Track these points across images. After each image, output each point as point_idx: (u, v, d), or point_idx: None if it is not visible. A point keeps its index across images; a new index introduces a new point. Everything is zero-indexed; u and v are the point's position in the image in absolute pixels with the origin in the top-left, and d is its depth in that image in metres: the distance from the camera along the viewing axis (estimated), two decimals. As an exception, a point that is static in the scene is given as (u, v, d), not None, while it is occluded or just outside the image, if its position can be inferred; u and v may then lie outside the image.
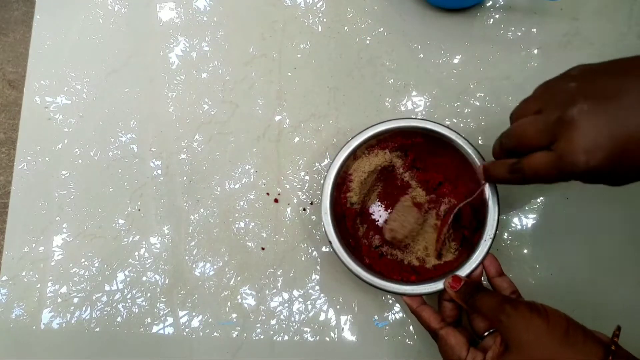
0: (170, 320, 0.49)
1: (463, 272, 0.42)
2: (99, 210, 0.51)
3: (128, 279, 0.50)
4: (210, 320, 0.49)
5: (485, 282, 0.44)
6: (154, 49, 0.54)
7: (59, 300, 0.49)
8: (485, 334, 0.40)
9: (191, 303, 0.49)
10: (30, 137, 0.52)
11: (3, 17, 0.55)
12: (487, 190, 0.43)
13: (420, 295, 0.42)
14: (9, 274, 0.50)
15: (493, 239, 0.42)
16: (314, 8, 0.55)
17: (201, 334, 0.48)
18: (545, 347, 0.33)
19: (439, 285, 0.41)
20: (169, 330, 0.49)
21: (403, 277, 0.45)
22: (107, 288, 0.50)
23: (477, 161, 0.43)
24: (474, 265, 0.42)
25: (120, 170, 0.52)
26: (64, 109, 0.53)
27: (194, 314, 0.49)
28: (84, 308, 0.49)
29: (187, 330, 0.48)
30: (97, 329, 0.49)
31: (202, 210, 0.51)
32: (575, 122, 0.32)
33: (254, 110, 0.53)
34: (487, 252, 0.42)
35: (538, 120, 0.35)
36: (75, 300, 0.49)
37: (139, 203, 0.51)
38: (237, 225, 0.50)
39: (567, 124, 0.32)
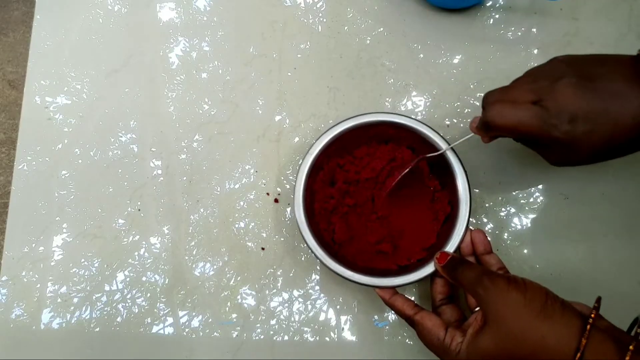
0: (170, 320, 0.49)
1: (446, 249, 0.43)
2: (99, 210, 0.51)
3: (128, 279, 0.50)
4: (210, 320, 0.49)
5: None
6: (154, 49, 0.54)
7: (59, 300, 0.49)
8: (475, 309, 0.40)
9: (191, 303, 0.49)
10: (30, 137, 0.52)
11: (3, 17, 0.55)
12: (449, 155, 0.44)
13: (393, 287, 0.43)
14: (9, 274, 0.50)
15: (469, 214, 0.43)
16: (314, 8, 0.55)
17: (201, 334, 0.48)
18: (521, 320, 0.33)
19: (417, 276, 0.43)
20: (169, 330, 0.49)
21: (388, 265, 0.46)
22: (107, 288, 0.50)
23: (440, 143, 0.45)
24: (453, 248, 0.43)
25: (120, 170, 0.52)
26: (64, 109, 0.53)
27: (194, 314, 0.49)
28: (84, 308, 0.49)
29: (187, 330, 0.49)
30: (97, 329, 0.49)
31: (202, 210, 0.51)
32: (563, 89, 0.35)
33: (254, 110, 0.53)
34: (466, 228, 0.43)
35: (528, 85, 0.37)
36: (75, 300, 0.49)
37: (139, 203, 0.51)
38: (237, 225, 0.50)
39: (555, 89, 0.36)
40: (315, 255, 0.44)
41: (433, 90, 0.52)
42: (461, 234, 0.43)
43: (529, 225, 0.49)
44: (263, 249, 0.50)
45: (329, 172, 0.48)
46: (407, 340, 0.47)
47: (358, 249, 0.47)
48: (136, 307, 0.49)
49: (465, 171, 0.44)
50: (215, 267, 0.50)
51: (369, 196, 0.48)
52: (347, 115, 0.47)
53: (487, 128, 0.39)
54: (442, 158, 0.45)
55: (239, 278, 0.49)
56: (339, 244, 0.47)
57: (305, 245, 0.44)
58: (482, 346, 0.35)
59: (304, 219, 0.44)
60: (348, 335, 0.48)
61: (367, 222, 0.48)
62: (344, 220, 0.47)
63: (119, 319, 0.49)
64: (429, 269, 0.42)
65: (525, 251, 0.48)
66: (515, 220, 0.49)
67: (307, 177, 0.45)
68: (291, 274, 0.49)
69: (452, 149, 0.45)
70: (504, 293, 0.35)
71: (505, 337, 0.34)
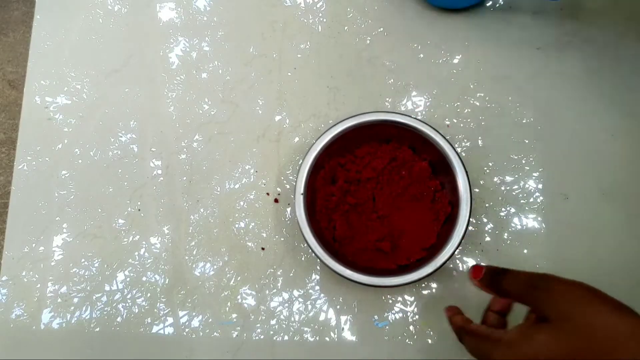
0: (170, 320, 0.49)
1: (443, 255, 0.43)
2: (99, 210, 0.51)
3: (128, 279, 0.50)
4: (210, 320, 0.49)
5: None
6: (154, 49, 0.54)
7: (59, 300, 0.49)
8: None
9: (191, 303, 0.49)
10: (30, 137, 0.52)
11: (3, 17, 0.55)
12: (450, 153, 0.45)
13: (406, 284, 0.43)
14: (9, 274, 0.50)
15: (470, 214, 0.43)
16: (314, 8, 0.55)
17: (201, 334, 0.48)
18: (597, 316, 0.32)
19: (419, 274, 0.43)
20: (169, 330, 0.49)
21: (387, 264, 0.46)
22: (107, 288, 0.50)
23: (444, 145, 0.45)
24: (453, 248, 0.43)
25: (120, 170, 0.52)
26: (64, 109, 0.53)
27: (194, 314, 0.49)
28: (84, 308, 0.49)
29: (187, 330, 0.48)
30: (97, 329, 0.49)
31: (202, 210, 0.51)
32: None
33: (254, 110, 0.53)
34: (466, 228, 0.43)
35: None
36: (75, 300, 0.49)
37: (139, 203, 0.51)
38: (237, 225, 0.50)
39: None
40: (314, 253, 0.44)
41: (433, 90, 0.52)
42: (461, 233, 0.43)
43: (529, 225, 0.49)
44: (263, 249, 0.50)
45: (330, 171, 0.48)
46: (407, 340, 0.47)
47: (358, 248, 0.47)
48: (136, 307, 0.49)
49: (466, 171, 0.44)
50: (215, 267, 0.50)
51: (370, 195, 0.48)
52: (347, 115, 0.47)
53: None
54: (443, 158, 0.45)
55: (239, 278, 0.49)
56: (339, 242, 0.47)
57: (306, 244, 0.44)
58: (539, 339, 0.34)
59: (304, 216, 0.44)
60: (348, 335, 0.48)
61: (368, 222, 0.48)
62: (345, 218, 0.47)
63: (119, 319, 0.49)
64: (428, 269, 0.42)
65: (525, 251, 0.48)
66: (515, 220, 0.49)
67: (308, 175, 0.45)
68: (291, 274, 0.49)
69: (455, 151, 0.45)
70: (570, 292, 0.34)
71: (575, 335, 0.33)
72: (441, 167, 0.46)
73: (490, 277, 0.38)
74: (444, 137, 0.45)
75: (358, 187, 0.48)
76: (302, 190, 0.45)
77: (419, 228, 0.47)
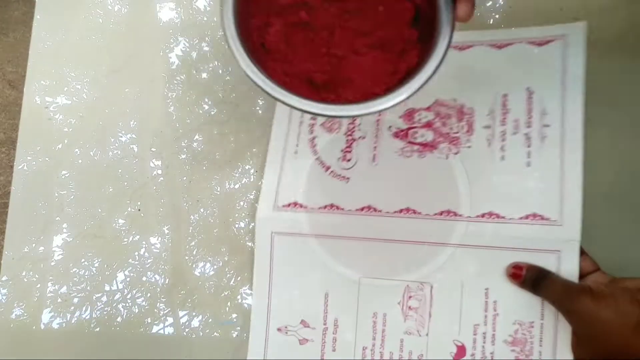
0: (170, 320, 0.49)
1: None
2: (99, 210, 0.51)
3: (128, 279, 0.50)
4: (210, 320, 0.49)
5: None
6: (154, 49, 0.54)
7: (59, 300, 0.49)
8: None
9: (191, 303, 0.49)
10: (30, 137, 0.52)
11: (3, 17, 0.55)
12: None
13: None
14: (9, 274, 0.50)
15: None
16: (314, 8, 0.55)
17: (201, 334, 0.48)
18: (616, 338, 0.32)
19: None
20: (169, 330, 0.49)
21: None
22: (107, 288, 0.50)
23: None
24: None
25: (120, 170, 0.52)
26: (64, 109, 0.53)
27: (194, 314, 0.49)
28: (84, 308, 0.49)
29: (187, 330, 0.49)
30: (97, 329, 0.49)
31: (202, 210, 0.51)
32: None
33: (254, 110, 0.53)
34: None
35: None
36: (75, 300, 0.49)
37: (139, 203, 0.51)
38: (237, 225, 0.50)
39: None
40: (229, 47, 0.33)
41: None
42: (412, 89, 0.33)
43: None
44: (263, 249, 0.50)
45: None
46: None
47: (286, 71, 0.37)
48: (136, 307, 0.49)
49: (451, 35, 0.33)
50: (215, 267, 0.50)
51: (330, 24, 0.37)
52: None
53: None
54: (435, 6, 0.34)
55: (239, 278, 0.49)
56: (267, 52, 0.37)
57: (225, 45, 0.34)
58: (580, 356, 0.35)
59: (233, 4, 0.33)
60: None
61: (313, 52, 0.37)
62: (285, 32, 0.37)
63: (119, 319, 0.49)
64: (361, 107, 0.33)
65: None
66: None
67: None
68: (291, 274, 0.49)
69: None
70: (592, 312, 0.34)
71: (603, 349, 0.33)
72: (426, 16, 0.35)
73: (531, 280, 0.39)
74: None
75: (319, 5, 0.37)
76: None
77: (367, 79, 0.37)
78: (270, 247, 0.47)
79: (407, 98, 0.33)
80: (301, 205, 0.47)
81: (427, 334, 0.43)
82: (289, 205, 0.47)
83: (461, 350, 0.42)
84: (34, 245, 0.50)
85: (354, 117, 0.38)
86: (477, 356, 0.42)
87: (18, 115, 0.52)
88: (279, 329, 0.46)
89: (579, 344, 0.36)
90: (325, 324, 0.45)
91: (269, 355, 0.46)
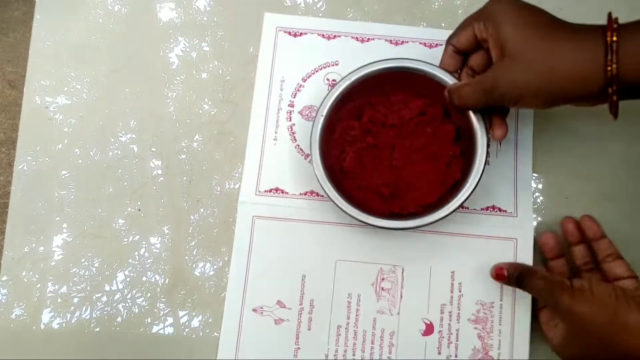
0: (170, 320, 0.49)
1: (457, 200, 0.43)
2: (99, 210, 0.51)
3: (128, 279, 0.50)
4: (211, 320, 0.49)
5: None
6: (154, 49, 0.54)
7: (59, 300, 0.49)
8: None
9: (191, 303, 0.49)
10: (30, 137, 0.52)
11: (3, 17, 0.55)
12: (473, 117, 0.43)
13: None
14: (9, 274, 0.50)
15: (474, 189, 0.43)
16: (314, 8, 0.55)
17: (201, 334, 0.48)
18: (597, 332, 0.34)
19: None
20: (169, 330, 0.49)
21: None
22: (107, 288, 0.50)
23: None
24: (445, 213, 0.43)
25: (120, 170, 0.52)
26: (64, 109, 0.53)
27: (194, 314, 0.49)
28: (84, 308, 0.49)
29: (187, 330, 0.49)
30: (97, 329, 0.49)
31: (202, 210, 0.51)
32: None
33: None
34: (465, 200, 0.43)
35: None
36: (75, 300, 0.49)
37: (139, 203, 0.51)
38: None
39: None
40: (315, 175, 0.44)
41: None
42: (459, 202, 0.43)
43: (534, 223, 0.49)
44: (263, 249, 0.50)
45: (359, 107, 0.48)
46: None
47: (360, 186, 0.47)
48: (136, 307, 0.49)
49: (488, 144, 0.43)
50: (215, 267, 0.50)
51: (391, 143, 0.48)
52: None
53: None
54: (470, 126, 0.44)
55: (239, 278, 0.49)
56: (345, 174, 0.47)
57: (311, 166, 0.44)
58: (570, 350, 0.37)
59: (318, 137, 0.44)
60: (348, 335, 0.48)
61: (380, 166, 0.48)
62: (358, 154, 0.47)
63: (119, 319, 0.49)
64: (420, 221, 0.43)
65: (525, 251, 0.48)
66: (515, 220, 0.49)
67: (334, 103, 0.45)
68: (291, 274, 0.49)
69: (484, 122, 0.43)
70: (569, 307, 0.35)
71: (586, 345, 0.34)
72: (466, 134, 0.45)
73: (515, 281, 0.41)
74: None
75: (380, 131, 0.48)
76: (324, 113, 0.45)
77: (424, 186, 0.47)
78: (250, 230, 0.49)
79: (457, 209, 0.43)
80: (282, 191, 0.49)
81: (398, 313, 0.47)
82: (270, 190, 0.50)
83: (429, 327, 0.47)
84: (34, 245, 0.50)
85: (416, 228, 0.45)
86: (443, 333, 0.47)
87: (18, 115, 0.52)
88: (254, 309, 0.48)
89: (568, 342, 0.36)
90: (301, 304, 0.48)
91: (242, 334, 0.47)
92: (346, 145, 0.47)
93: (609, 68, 0.31)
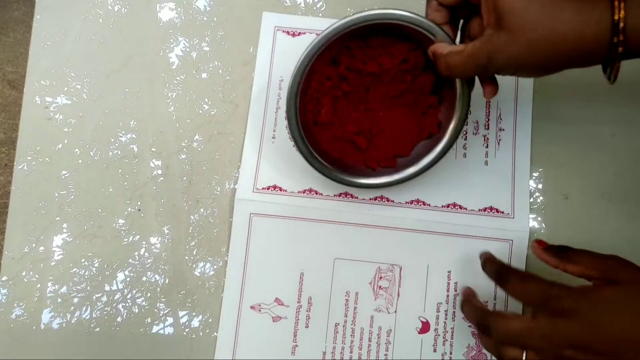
0: (170, 320, 0.49)
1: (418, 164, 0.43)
2: (99, 210, 0.51)
3: (128, 279, 0.50)
4: (210, 320, 0.49)
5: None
6: (154, 49, 0.54)
7: (59, 300, 0.49)
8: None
9: (191, 303, 0.49)
10: (30, 137, 0.52)
11: (3, 17, 0.54)
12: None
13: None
14: (9, 274, 0.50)
15: (453, 143, 0.42)
16: (314, 8, 0.55)
17: (201, 334, 0.48)
18: None
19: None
20: (169, 330, 0.49)
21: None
22: (107, 288, 0.50)
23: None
24: (420, 166, 0.43)
25: (120, 170, 0.52)
26: (64, 109, 0.53)
27: (193, 314, 0.49)
28: (84, 308, 0.49)
29: (187, 330, 0.49)
30: (97, 329, 0.49)
31: (202, 210, 0.51)
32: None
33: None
34: (442, 154, 0.42)
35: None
36: (75, 300, 0.49)
37: (139, 203, 0.51)
38: (237, 225, 0.50)
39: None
40: (292, 136, 0.43)
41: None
42: (433, 156, 0.43)
43: (529, 225, 0.49)
44: (263, 249, 0.50)
45: (336, 52, 0.44)
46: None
47: (335, 136, 0.46)
48: (136, 307, 0.49)
49: (469, 104, 0.41)
50: (215, 267, 0.50)
51: (366, 86, 0.45)
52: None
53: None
54: (452, 80, 0.42)
55: (239, 278, 0.49)
56: (320, 125, 0.45)
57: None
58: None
59: (293, 93, 0.43)
60: (348, 335, 0.48)
61: (354, 111, 0.46)
62: (333, 104, 0.46)
63: (119, 319, 0.49)
64: (394, 176, 0.43)
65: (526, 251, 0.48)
66: (515, 220, 0.49)
67: (312, 56, 0.42)
68: (291, 274, 0.49)
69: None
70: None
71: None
72: (448, 85, 0.43)
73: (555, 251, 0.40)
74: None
75: (357, 77, 0.45)
76: (298, 64, 0.42)
77: (398, 134, 0.46)
78: (248, 227, 0.49)
79: (435, 162, 0.42)
80: (280, 189, 0.50)
81: (395, 311, 0.48)
82: (268, 188, 0.50)
83: (425, 325, 0.47)
84: (34, 245, 0.50)
85: (388, 185, 0.44)
86: (439, 331, 0.47)
87: (18, 115, 0.52)
88: (252, 307, 0.48)
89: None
90: (299, 302, 0.48)
91: (240, 331, 0.47)
92: (321, 97, 0.45)
93: (616, 17, 0.30)
